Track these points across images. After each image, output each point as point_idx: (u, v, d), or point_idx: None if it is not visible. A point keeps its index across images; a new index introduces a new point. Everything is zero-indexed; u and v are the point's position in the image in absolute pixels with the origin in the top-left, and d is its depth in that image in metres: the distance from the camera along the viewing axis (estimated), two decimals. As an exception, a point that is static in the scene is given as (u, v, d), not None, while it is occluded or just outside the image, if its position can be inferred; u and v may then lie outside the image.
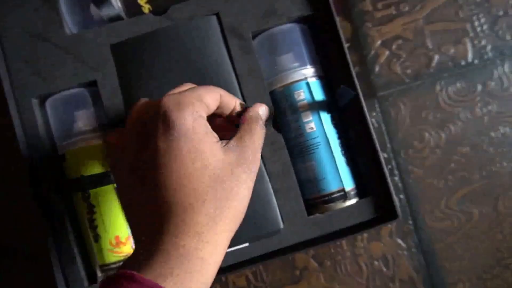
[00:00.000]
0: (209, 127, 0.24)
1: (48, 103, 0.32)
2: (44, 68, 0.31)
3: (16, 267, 0.37)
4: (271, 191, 0.30)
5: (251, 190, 0.24)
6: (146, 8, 0.32)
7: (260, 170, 0.29)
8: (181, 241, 0.21)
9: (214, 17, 0.31)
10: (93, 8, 0.32)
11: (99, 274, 0.30)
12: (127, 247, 0.30)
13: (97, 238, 0.30)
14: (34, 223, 0.36)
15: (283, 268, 0.37)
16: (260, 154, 0.25)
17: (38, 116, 0.32)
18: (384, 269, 0.38)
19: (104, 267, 0.30)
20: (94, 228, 0.30)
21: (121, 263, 0.30)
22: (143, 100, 0.26)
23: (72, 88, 0.32)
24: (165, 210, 0.22)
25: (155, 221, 0.22)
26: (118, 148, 0.26)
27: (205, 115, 0.24)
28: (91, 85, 0.32)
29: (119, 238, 0.30)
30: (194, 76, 0.30)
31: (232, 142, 0.24)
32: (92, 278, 0.31)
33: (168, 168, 0.22)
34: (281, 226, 0.29)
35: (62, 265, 0.30)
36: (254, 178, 0.24)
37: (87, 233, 0.30)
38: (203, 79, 0.30)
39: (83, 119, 0.32)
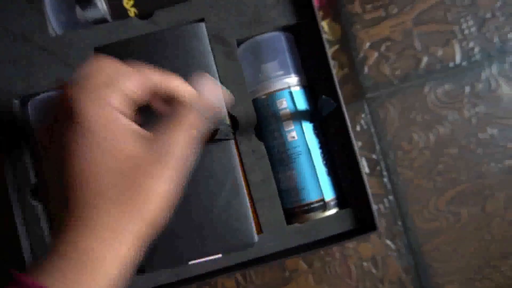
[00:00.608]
0: (121, 117, 0.21)
1: (30, 104, 0.32)
2: (27, 69, 0.31)
3: None
4: (247, 203, 0.29)
5: (171, 189, 0.21)
6: (132, 11, 0.31)
7: (237, 181, 0.29)
8: (80, 242, 0.19)
9: (203, 25, 0.30)
10: (78, 10, 0.31)
11: None
12: None
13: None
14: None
15: (272, 269, 0.37)
16: (191, 148, 0.22)
17: (19, 117, 0.31)
18: (374, 270, 0.38)
19: None
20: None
21: None
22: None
23: (54, 90, 0.31)
24: (68, 209, 0.20)
25: (58, 220, 0.20)
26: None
27: (118, 103, 0.21)
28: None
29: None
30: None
31: (151, 134, 0.21)
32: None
33: (70, 165, 0.20)
34: (255, 240, 0.29)
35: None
36: (177, 176, 0.21)
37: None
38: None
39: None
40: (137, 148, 0.21)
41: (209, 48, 0.30)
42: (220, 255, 0.30)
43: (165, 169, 0.21)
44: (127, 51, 0.30)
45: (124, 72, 0.21)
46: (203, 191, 0.29)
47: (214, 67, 0.30)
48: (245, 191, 0.29)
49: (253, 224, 0.30)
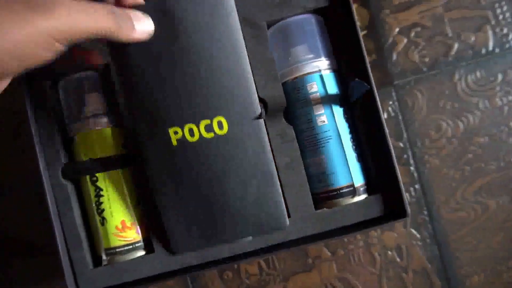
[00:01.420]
0: None
1: (60, 85, 0.32)
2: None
3: (22, 254, 0.37)
4: (279, 188, 0.29)
5: (29, 33, 0.20)
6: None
7: (268, 165, 0.28)
8: None
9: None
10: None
11: (104, 257, 0.30)
12: (132, 232, 0.30)
13: (103, 221, 0.30)
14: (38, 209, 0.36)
15: (295, 256, 0.37)
16: (80, 36, 0.22)
17: (50, 97, 0.31)
18: (398, 259, 0.37)
19: (109, 250, 0.30)
20: (100, 212, 0.30)
21: (125, 247, 0.30)
22: None
23: (84, 71, 0.31)
24: None
25: None
26: None
27: None
28: (103, 68, 0.31)
29: (125, 222, 0.30)
30: (203, 56, 0.28)
31: None
32: (97, 261, 0.31)
33: None
34: (287, 224, 0.29)
35: (68, 248, 0.30)
36: (46, 43, 0.21)
37: (94, 216, 0.30)
38: (215, 61, 0.28)
39: (93, 103, 0.31)
40: None
41: (238, 23, 0.28)
42: (250, 238, 0.30)
43: (35, 19, 0.20)
44: (161, 10, 0.27)
45: None
46: (236, 174, 0.28)
47: (242, 42, 0.28)
48: (276, 175, 0.29)
49: (284, 208, 0.29)
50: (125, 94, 0.29)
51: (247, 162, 0.28)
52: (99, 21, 0.23)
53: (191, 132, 0.28)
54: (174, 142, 0.28)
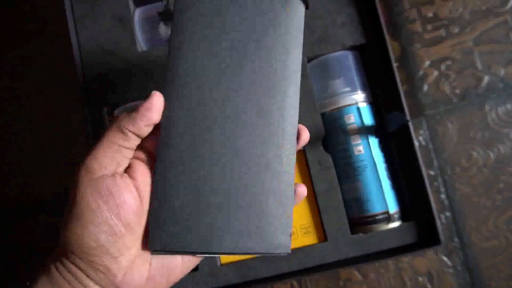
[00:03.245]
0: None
1: (116, 112, 0.35)
2: (115, 80, 0.34)
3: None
4: (292, 208, 0.24)
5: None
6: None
7: (287, 190, 0.24)
8: None
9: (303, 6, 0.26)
10: (161, 27, 0.34)
11: None
12: None
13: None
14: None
15: (327, 278, 0.38)
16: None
17: (107, 123, 0.34)
18: (428, 285, 0.38)
19: None
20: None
21: None
22: None
23: (139, 100, 0.34)
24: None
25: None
26: None
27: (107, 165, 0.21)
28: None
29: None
30: (263, 62, 0.24)
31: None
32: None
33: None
34: (288, 250, 0.24)
35: None
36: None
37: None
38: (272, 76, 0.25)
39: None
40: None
41: (302, 31, 0.26)
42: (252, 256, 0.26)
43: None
44: (217, 7, 0.24)
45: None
46: (248, 172, 0.23)
47: (301, 51, 0.26)
48: (292, 191, 0.24)
49: (290, 232, 0.24)
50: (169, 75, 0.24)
51: (267, 170, 0.23)
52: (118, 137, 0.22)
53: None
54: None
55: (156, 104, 0.22)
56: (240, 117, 0.24)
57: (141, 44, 0.35)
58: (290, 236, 0.24)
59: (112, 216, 0.21)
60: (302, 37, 0.26)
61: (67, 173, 0.41)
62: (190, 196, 0.23)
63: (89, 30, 0.35)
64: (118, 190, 0.21)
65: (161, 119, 0.23)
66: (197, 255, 0.24)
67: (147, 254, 0.22)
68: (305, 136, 0.25)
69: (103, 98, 0.34)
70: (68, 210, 0.21)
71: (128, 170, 0.22)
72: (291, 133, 0.25)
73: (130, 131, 0.22)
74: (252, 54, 0.24)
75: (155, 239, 0.22)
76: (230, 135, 0.23)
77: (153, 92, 0.23)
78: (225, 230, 0.23)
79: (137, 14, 0.35)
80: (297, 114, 0.25)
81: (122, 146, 0.22)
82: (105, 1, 0.35)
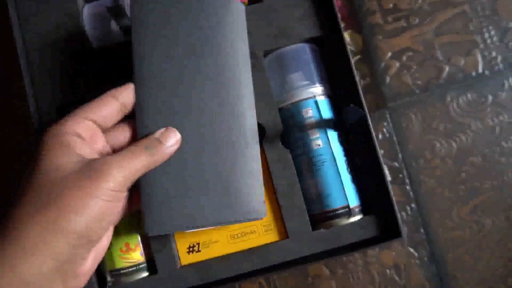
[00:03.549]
0: (73, 142, 0.24)
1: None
2: (66, 78, 0.33)
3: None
4: (261, 179, 0.28)
5: (101, 205, 0.23)
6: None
7: (256, 157, 0.29)
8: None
9: (243, 7, 0.30)
10: (112, 23, 0.33)
11: (108, 278, 0.31)
12: (137, 254, 0.31)
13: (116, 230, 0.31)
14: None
15: (295, 274, 0.38)
16: (134, 179, 0.25)
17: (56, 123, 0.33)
18: (396, 278, 0.38)
19: (114, 272, 0.31)
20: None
21: (129, 269, 0.31)
22: None
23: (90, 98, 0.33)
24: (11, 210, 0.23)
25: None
26: None
27: (79, 129, 0.25)
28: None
29: (129, 245, 0.31)
30: (215, 61, 0.28)
31: (105, 157, 0.24)
32: (102, 282, 0.32)
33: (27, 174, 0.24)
34: (265, 214, 0.28)
35: None
36: (109, 196, 0.23)
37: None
38: (222, 67, 0.29)
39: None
40: (74, 166, 0.23)
41: (246, 30, 0.30)
42: (223, 223, 0.28)
43: (94, 185, 0.23)
44: (165, 7, 0.28)
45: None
46: (218, 154, 0.28)
47: (247, 49, 0.30)
48: (259, 158, 0.28)
49: (263, 197, 0.28)
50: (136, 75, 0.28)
51: (233, 142, 0.28)
52: (138, 165, 0.25)
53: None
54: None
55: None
56: (203, 108, 0.28)
57: (92, 40, 0.33)
58: (264, 202, 0.29)
59: None
60: (246, 32, 0.30)
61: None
62: (172, 183, 0.27)
63: (36, 28, 0.33)
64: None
65: (136, 116, 0.27)
66: (186, 231, 0.29)
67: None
68: None
69: (55, 99, 0.33)
70: None
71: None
72: (251, 112, 0.29)
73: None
74: (203, 52, 0.28)
75: (149, 225, 0.27)
76: (197, 124, 0.28)
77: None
78: (206, 206, 0.27)
79: (86, 9, 0.33)
80: (253, 96, 0.29)
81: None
82: (52, -3, 0.33)
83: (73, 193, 0.22)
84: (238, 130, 0.28)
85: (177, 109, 0.28)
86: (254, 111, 0.29)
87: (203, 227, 0.28)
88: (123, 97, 0.27)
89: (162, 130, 0.27)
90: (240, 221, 0.28)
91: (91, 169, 0.23)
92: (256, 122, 0.29)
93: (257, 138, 0.29)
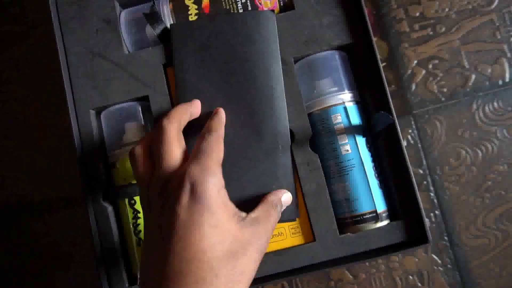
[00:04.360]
0: (227, 196, 0.25)
1: (103, 115, 0.35)
2: (102, 83, 0.34)
3: (63, 266, 0.40)
4: (293, 181, 0.31)
5: (255, 268, 0.24)
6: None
7: (289, 168, 0.31)
8: None
9: (273, 13, 0.33)
10: (148, 29, 0.34)
11: (139, 276, 0.32)
12: None
13: (140, 242, 0.32)
14: (80, 228, 0.38)
15: (318, 278, 0.38)
16: (270, 237, 0.26)
17: (94, 126, 0.34)
18: (419, 284, 0.38)
19: None
20: (137, 233, 0.32)
21: None
22: (170, 122, 0.26)
23: (125, 102, 0.34)
24: (176, 279, 0.22)
25: (164, 285, 0.22)
26: (144, 183, 0.26)
27: (223, 183, 0.25)
28: (143, 99, 0.34)
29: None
30: (248, 73, 0.32)
31: (249, 220, 0.25)
32: (132, 280, 0.33)
33: (186, 239, 0.22)
34: (298, 215, 0.31)
35: (106, 266, 0.32)
36: (262, 257, 0.25)
37: (131, 237, 0.32)
38: (257, 80, 0.32)
39: (133, 130, 0.34)
40: (243, 232, 0.24)
41: (277, 37, 0.32)
42: None
43: (261, 254, 0.25)
44: (201, 30, 0.32)
45: (216, 146, 0.26)
46: (254, 159, 0.30)
47: (279, 56, 0.32)
48: (292, 174, 0.31)
49: (296, 198, 0.31)
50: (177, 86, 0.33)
51: (267, 142, 0.31)
52: (275, 226, 0.27)
53: None
54: None
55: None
56: (240, 117, 0.31)
57: (128, 45, 0.34)
58: (296, 204, 0.31)
59: None
60: (277, 39, 0.32)
61: (55, 177, 0.40)
62: None
63: (76, 32, 0.34)
64: None
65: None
66: None
67: None
68: None
69: (90, 100, 0.34)
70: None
71: None
72: (283, 118, 0.31)
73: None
74: (236, 67, 0.32)
75: None
76: (234, 133, 0.31)
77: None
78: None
79: (123, 16, 0.34)
80: (285, 103, 0.32)
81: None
82: (91, 3, 0.35)
83: (243, 259, 0.23)
84: (271, 136, 0.31)
85: None
86: (287, 117, 0.31)
87: None
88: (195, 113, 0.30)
89: (283, 191, 0.29)
90: None
91: (250, 234, 0.25)
92: (288, 128, 0.31)
93: (289, 143, 0.31)
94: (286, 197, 0.30)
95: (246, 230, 0.24)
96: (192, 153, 0.26)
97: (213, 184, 0.23)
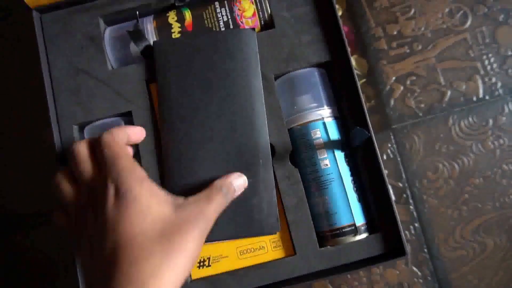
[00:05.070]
0: (155, 185, 0.27)
1: (86, 130, 0.35)
2: (85, 98, 0.34)
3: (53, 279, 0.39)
4: (273, 188, 0.32)
5: (196, 247, 0.25)
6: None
7: (266, 163, 0.32)
8: None
9: (254, 32, 0.34)
10: (132, 46, 0.35)
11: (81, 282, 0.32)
12: None
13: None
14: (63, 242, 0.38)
15: (301, 292, 0.39)
16: (214, 219, 0.27)
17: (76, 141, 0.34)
18: (400, 297, 0.38)
19: None
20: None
21: None
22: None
23: (109, 118, 0.35)
24: (112, 266, 0.23)
25: (104, 278, 0.23)
26: (71, 224, 0.28)
27: (145, 174, 0.27)
28: (126, 115, 0.35)
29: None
30: (229, 89, 0.32)
31: (186, 203, 0.27)
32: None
33: (117, 230, 0.24)
34: (278, 229, 0.31)
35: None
36: (205, 235, 0.26)
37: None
38: (239, 95, 0.32)
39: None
40: (178, 212, 0.26)
41: (257, 54, 0.33)
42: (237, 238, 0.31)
43: (194, 229, 0.26)
44: (183, 47, 0.33)
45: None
46: (231, 166, 0.31)
47: (259, 73, 0.33)
48: (273, 175, 0.32)
49: (277, 212, 0.31)
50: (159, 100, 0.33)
51: (246, 155, 0.32)
52: (219, 208, 0.28)
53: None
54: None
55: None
56: (221, 132, 0.32)
57: (112, 62, 0.35)
58: (277, 218, 0.31)
59: None
60: (257, 56, 0.33)
61: (39, 191, 0.40)
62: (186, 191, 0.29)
63: (60, 48, 0.35)
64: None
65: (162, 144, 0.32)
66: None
67: None
68: None
69: (74, 115, 0.34)
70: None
71: None
72: (264, 133, 0.32)
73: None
74: (218, 83, 0.32)
75: None
76: (215, 148, 0.32)
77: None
78: (220, 221, 0.29)
79: (108, 33, 0.35)
80: (265, 118, 0.32)
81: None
82: (76, 20, 0.35)
83: (177, 238, 0.25)
84: (252, 151, 0.32)
85: (197, 137, 0.32)
86: (267, 132, 0.32)
87: (217, 241, 0.30)
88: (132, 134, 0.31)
89: (235, 174, 0.30)
90: (254, 236, 0.30)
91: (186, 214, 0.26)
92: (268, 143, 0.32)
93: (270, 158, 0.32)
94: (238, 181, 0.30)
95: (182, 212, 0.26)
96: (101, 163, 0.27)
97: (133, 179, 0.25)
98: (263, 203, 0.31)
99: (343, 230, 0.31)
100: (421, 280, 0.39)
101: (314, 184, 0.32)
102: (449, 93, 0.40)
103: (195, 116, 0.32)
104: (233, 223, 0.31)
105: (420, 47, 0.41)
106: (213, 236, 0.30)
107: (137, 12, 0.34)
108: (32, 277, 0.39)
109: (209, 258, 0.33)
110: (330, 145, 0.32)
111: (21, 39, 0.43)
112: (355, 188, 0.32)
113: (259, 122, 0.32)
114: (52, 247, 0.39)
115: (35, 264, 0.39)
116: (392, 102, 0.40)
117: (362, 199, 0.33)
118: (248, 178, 0.31)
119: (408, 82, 0.40)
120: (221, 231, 0.31)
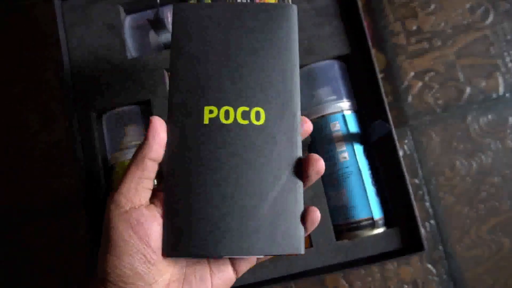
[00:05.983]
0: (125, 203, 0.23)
1: (104, 118, 0.35)
2: (104, 86, 0.34)
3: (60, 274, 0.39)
4: (301, 205, 0.25)
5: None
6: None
7: (294, 175, 0.25)
8: None
9: (295, 7, 0.27)
10: (151, 35, 0.35)
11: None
12: None
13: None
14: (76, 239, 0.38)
15: (313, 285, 0.38)
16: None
17: (95, 128, 0.34)
18: (414, 294, 0.38)
19: None
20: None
21: None
22: None
23: (127, 106, 0.35)
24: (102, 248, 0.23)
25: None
26: None
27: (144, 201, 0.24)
28: (144, 103, 0.35)
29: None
30: (256, 68, 0.25)
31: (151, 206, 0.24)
32: None
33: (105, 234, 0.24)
34: (302, 251, 0.24)
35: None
36: None
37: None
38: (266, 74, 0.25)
39: (133, 134, 0.34)
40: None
41: (296, 34, 0.26)
42: (256, 257, 0.26)
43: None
44: (210, 15, 0.26)
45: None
46: (260, 174, 0.24)
47: (297, 53, 0.26)
48: (301, 189, 0.25)
49: (302, 232, 0.24)
50: (172, 72, 0.26)
51: (275, 161, 0.24)
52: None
53: (226, 114, 0.25)
54: (206, 121, 0.25)
55: (159, 124, 0.24)
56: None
57: (131, 50, 0.35)
58: (303, 237, 0.24)
59: (144, 245, 0.22)
60: (297, 42, 0.26)
61: (55, 181, 0.40)
62: (200, 205, 0.24)
63: (80, 36, 0.35)
64: (146, 220, 0.22)
65: (167, 137, 0.24)
66: (212, 259, 0.25)
67: (181, 278, 0.24)
68: (307, 126, 0.26)
69: (91, 103, 0.34)
70: (104, 242, 0.22)
71: (154, 199, 0.24)
72: (297, 147, 0.25)
73: (148, 158, 0.23)
74: (245, 65, 0.25)
75: (168, 246, 0.23)
76: (234, 144, 0.25)
77: (151, 117, 0.24)
78: (243, 235, 0.24)
79: (128, 21, 0.35)
80: (299, 128, 0.26)
81: (142, 178, 0.23)
82: (96, 8, 0.35)
83: None
84: (281, 158, 0.25)
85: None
86: (301, 148, 0.26)
87: (238, 255, 0.24)
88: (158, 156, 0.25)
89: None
90: (275, 254, 0.24)
91: None
92: (300, 158, 0.25)
93: (300, 173, 0.25)
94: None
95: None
96: None
97: (113, 206, 0.23)
98: (289, 218, 0.24)
99: (361, 223, 0.31)
100: (436, 278, 0.38)
101: (332, 177, 0.32)
102: (468, 90, 0.40)
103: (213, 94, 0.25)
104: (254, 238, 0.24)
105: (439, 43, 0.40)
106: (232, 252, 0.24)
107: (158, 1, 0.34)
108: (39, 270, 0.40)
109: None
110: (349, 138, 0.31)
111: (41, 27, 0.43)
112: (373, 182, 0.32)
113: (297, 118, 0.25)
114: (63, 239, 0.39)
115: (43, 256, 0.40)
116: (409, 98, 0.40)
117: (380, 193, 0.32)
118: (273, 192, 0.24)
119: (426, 78, 0.40)
120: (239, 245, 0.24)
